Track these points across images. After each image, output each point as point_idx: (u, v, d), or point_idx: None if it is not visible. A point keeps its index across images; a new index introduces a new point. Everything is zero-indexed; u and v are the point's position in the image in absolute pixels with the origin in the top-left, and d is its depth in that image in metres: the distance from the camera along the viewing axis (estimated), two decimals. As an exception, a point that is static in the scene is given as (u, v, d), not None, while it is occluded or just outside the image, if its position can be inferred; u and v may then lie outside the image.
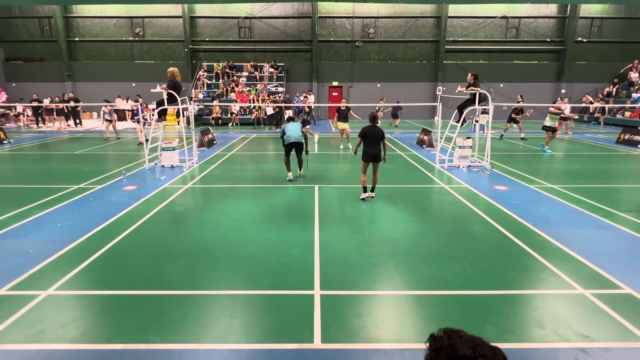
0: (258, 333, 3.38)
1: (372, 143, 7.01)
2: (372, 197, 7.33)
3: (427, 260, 4.81)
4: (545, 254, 4.95)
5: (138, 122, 15.30)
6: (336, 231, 5.78)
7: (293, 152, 8.76)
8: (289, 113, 19.33)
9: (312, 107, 21.33)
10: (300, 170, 9.17)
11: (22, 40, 25.54)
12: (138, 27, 25.47)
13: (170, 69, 9.97)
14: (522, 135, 16.04)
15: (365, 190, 7.31)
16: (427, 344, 1.13)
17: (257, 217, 6.40)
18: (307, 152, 8.98)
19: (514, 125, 16.16)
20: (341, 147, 13.52)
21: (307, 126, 11.40)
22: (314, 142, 13.04)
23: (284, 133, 8.64)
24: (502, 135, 16.37)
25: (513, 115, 15.92)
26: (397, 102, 22.27)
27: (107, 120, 16.01)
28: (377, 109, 22.90)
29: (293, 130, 8.58)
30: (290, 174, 8.83)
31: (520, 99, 19.06)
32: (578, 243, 5.27)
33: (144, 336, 3.33)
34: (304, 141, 8.69)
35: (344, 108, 13.10)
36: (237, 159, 11.99)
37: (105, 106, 16.09)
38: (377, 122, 7.11)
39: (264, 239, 5.47)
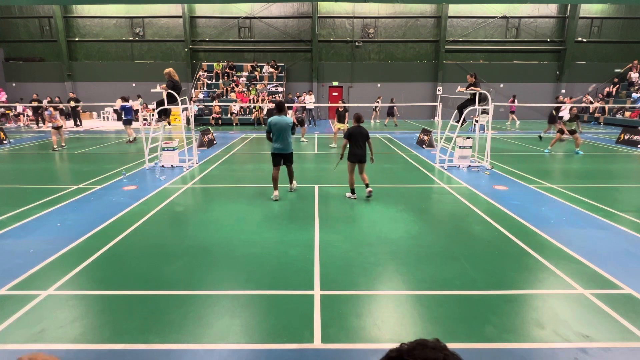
0: (258, 333, 3.39)
1: (357, 144, 7.15)
2: (370, 192, 7.29)
3: (427, 260, 4.81)
4: (545, 254, 4.95)
5: (125, 122, 15.17)
6: (336, 231, 5.77)
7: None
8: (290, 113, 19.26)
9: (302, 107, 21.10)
10: (291, 184, 7.86)
11: (22, 40, 25.53)
12: (138, 27, 25.46)
13: (167, 69, 9.95)
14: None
15: (353, 191, 7.43)
16: None
17: (257, 217, 6.40)
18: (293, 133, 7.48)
19: (555, 128, 15.35)
20: (332, 145, 14.15)
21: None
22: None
23: (270, 129, 7.22)
24: (541, 136, 16.07)
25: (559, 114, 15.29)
26: (392, 100, 22.31)
27: (53, 127, 13.02)
28: (374, 107, 22.98)
29: (281, 135, 7.14)
30: (276, 192, 7.25)
31: (513, 99, 18.99)
32: (578, 243, 5.27)
33: (144, 336, 3.33)
34: (292, 151, 7.39)
35: (341, 109, 14.04)
36: (237, 159, 11.99)
37: (47, 107, 13.28)
38: (362, 122, 7.28)
39: (264, 239, 5.47)
